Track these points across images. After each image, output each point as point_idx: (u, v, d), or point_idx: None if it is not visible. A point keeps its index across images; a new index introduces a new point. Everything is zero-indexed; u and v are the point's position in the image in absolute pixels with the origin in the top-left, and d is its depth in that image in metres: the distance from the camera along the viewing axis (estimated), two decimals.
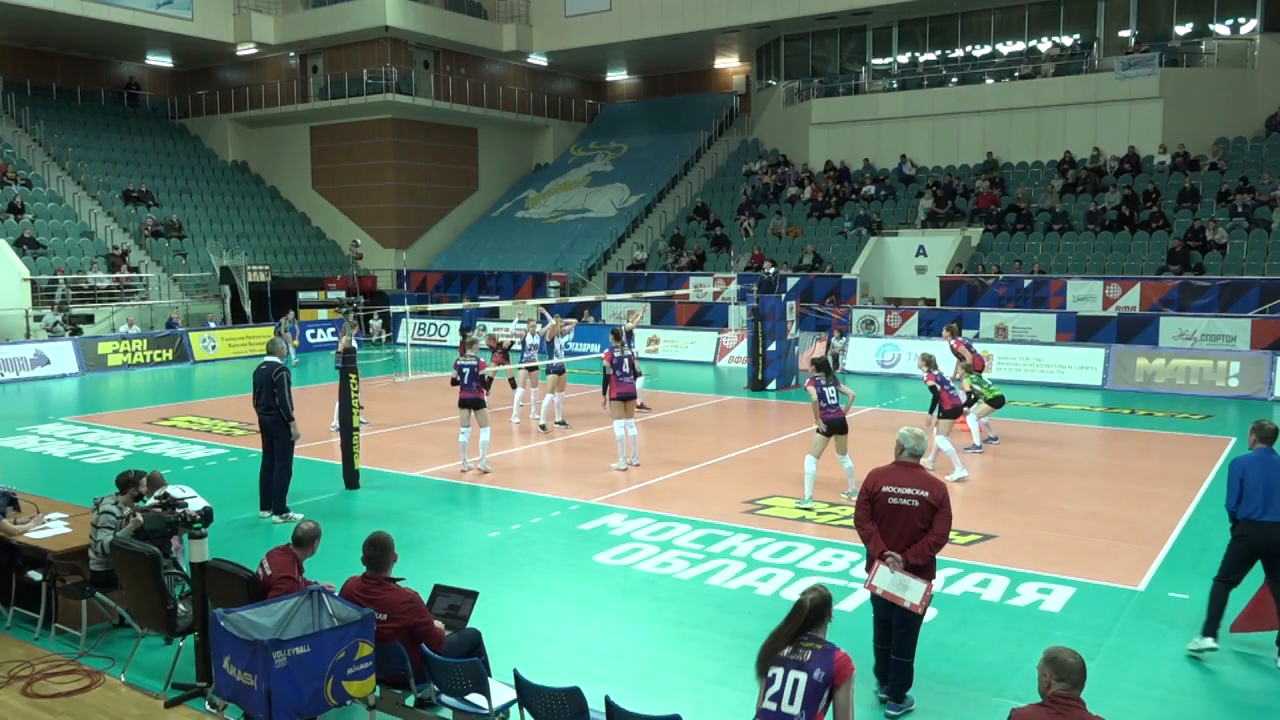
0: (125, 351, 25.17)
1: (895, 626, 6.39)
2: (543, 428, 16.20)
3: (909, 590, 6.22)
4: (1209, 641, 7.18)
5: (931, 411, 13.60)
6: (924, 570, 6.29)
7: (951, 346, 15.62)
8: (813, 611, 4.71)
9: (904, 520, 6.30)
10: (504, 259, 34.50)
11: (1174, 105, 28.21)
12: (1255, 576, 7.28)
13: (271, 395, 10.86)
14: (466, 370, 13.06)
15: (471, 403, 13.05)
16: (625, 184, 37.18)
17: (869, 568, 6.47)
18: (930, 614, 6.85)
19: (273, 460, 11.08)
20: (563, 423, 16.43)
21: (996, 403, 14.11)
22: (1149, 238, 25.71)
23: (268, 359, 11.08)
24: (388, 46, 34.51)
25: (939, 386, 12.91)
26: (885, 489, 6.40)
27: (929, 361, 13.16)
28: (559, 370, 16.23)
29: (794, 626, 4.69)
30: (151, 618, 6.91)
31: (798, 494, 11.77)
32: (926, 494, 6.29)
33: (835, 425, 11.41)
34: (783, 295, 21.85)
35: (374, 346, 30.07)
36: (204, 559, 6.58)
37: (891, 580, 6.27)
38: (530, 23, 37.80)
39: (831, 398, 11.42)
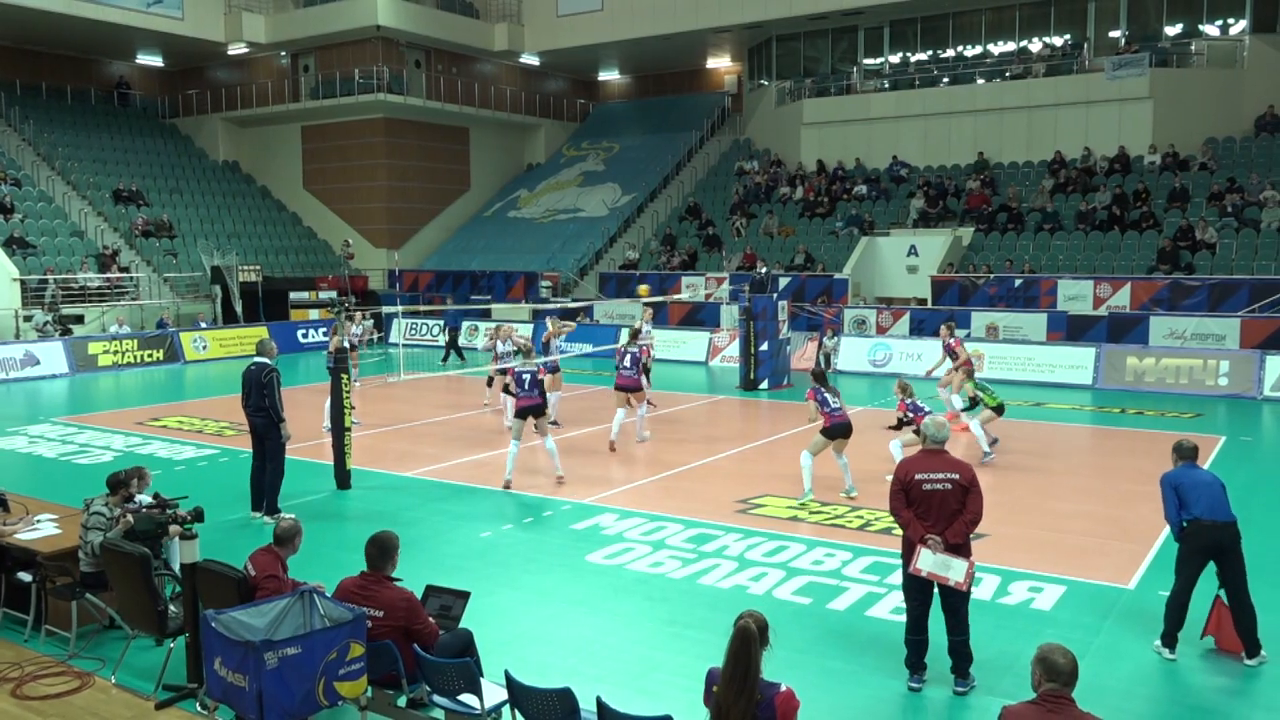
0: (116, 352, 25.08)
1: (945, 610, 6.69)
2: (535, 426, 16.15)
3: (952, 569, 6.54)
4: (1168, 653, 7.28)
5: (894, 429, 12.99)
6: (962, 549, 6.62)
7: (950, 344, 15.65)
8: (751, 636, 4.58)
9: (940, 503, 6.64)
10: (496, 259, 34.47)
11: (1164, 105, 28.32)
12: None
13: (261, 397, 10.82)
14: (526, 376, 12.44)
15: (532, 410, 12.32)
16: (617, 184, 37.17)
17: (906, 554, 6.74)
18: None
19: (264, 461, 11.04)
20: (555, 423, 16.38)
21: (1000, 410, 14.00)
22: (1139, 237, 25.81)
23: (257, 359, 11.03)
24: (379, 46, 34.46)
25: (911, 414, 12.41)
26: (918, 476, 6.71)
27: (905, 389, 12.73)
28: (554, 369, 16.20)
29: (739, 667, 4.56)
30: (142, 619, 6.89)
31: (790, 493, 11.79)
32: (958, 476, 6.68)
33: (840, 429, 11.53)
34: (775, 295, 21.87)
35: (365, 347, 30.00)
36: (195, 560, 6.56)
37: (935, 561, 6.57)
38: (522, 22, 37.77)
39: (835, 403, 11.56)
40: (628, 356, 14.73)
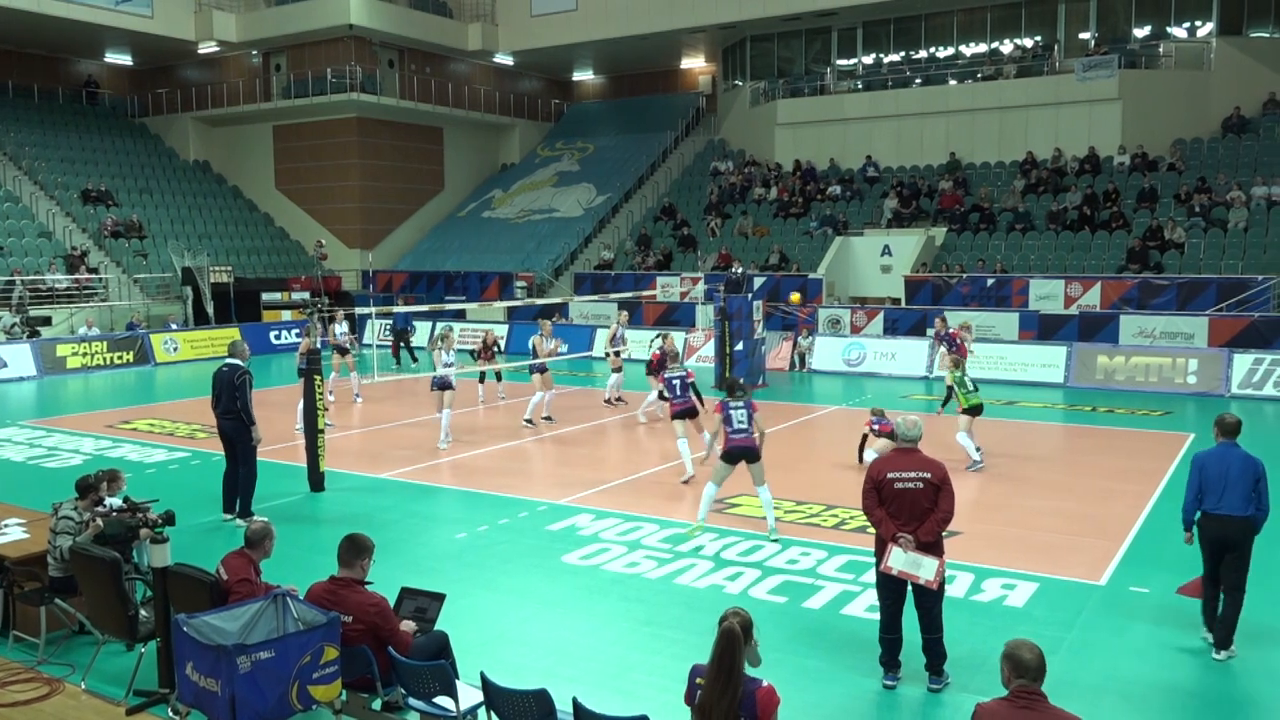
0: (85, 354, 24.78)
1: (918, 608, 6.73)
2: (529, 422, 16.45)
3: (922, 568, 6.57)
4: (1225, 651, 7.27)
5: (862, 450, 13.19)
6: (934, 547, 6.65)
7: (950, 333, 15.83)
8: (735, 638, 4.63)
9: (911, 502, 6.68)
10: (470, 259, 34.35)
11: (1133, 107, 28.65)
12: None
13: (233, 399, 10.70)
14: (676, 381, 13.08)
15: (687, 413, 12.98)
16: (592, 184, 37.14)
17: (879, 552, 6.76)
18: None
19: (236, 465, 10.94)
20: (548, 418, 16.92)
21: (974, 411, 13.26)
22: (1109, 237, 26.08)
23: (229, 361, 10.92)
24: (352, 45, 34.25)
25: (877, 425, 12.89)
26: (890, 475, 6.74)
27: (877, 414, 13.11)
28: (542, 370, 16.69)
29: (723, 667, 4.60)
30: (112, 624, 6.81)
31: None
32: (929, 475, 6.71)
33: (739, 453, 9.92)
34: (750, 295, 21.93)
35: (354, 346, 29.78)
36: (166, 563, 6.49)
37: (906, 560, 6.60)
38: (496, 22, 37.67)
39: (740, 422, 9.97)
40: (677, 383, 13.25)
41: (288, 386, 19.65)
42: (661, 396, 13.13)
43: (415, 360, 24.79)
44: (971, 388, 13.35)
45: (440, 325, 28.31)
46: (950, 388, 13.68)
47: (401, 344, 25.66)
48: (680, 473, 12.67)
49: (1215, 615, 7.31)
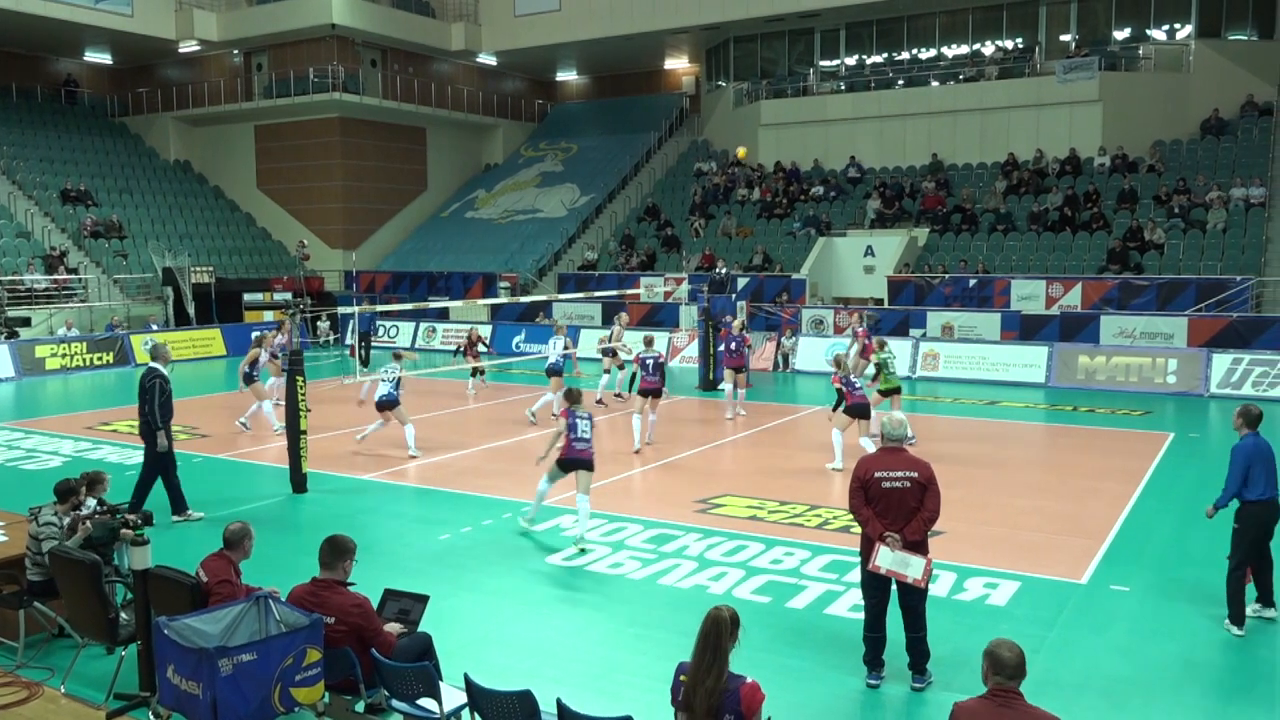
0: (64, 355, 24.59)
1: (902, 607, 6.78)
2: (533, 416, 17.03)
3: (910, 566, 6.61)
4: (1236, 630, 7.58)
5: (835, 409, 14.30)
6: (920, 546, 6.69)
7: (859, 333, 17.28)
8: (723, 622, 4.71)
9: (899, 501, 6.71)
10: (454, 259, 34.25)
11: (1113, 108, 28.85)
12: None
13: (143, 402, 10.67)
14: (650, 361, 15.06)
15: (653, 391, 14.89)
16: (575, 184, 37.12)
17: (865, 551, 6.78)
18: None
19: (168, 466, 10.91)
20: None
21: (888, 393, 14.45)
22: (1090, 238, 26.25)
23: (150, 365, 10.96)
24: (334, 45, 34.10)
25: (844, 388, 13.63)
26: (878, 474, 6.76)
27: (839, 363, 13.96)
28: (557, 372, 17.41)
29: (709, 646, 4.68)
30: (92, 627, 6.76)
31: (750, 493, 11.84)
32: (916, 474, 6.74)
33: (576, 464, 10.04)
34: (733, 295, 21.96)
35: (322, 348, 29.69)
36: (146, 566, 6.44)
37: (894, 559, 6.62)
38: (479, 22, 37.59)
39: (584, 432, 10.06)
40: (651, 363, 15.29)
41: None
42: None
43: (365, 365, 24.09)
44: (893, 369, 14.79)
45: (401, 342, 28.44)
46: (878, 365, 14.82)
47: (363, 345, 25.41)
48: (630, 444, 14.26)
49: (1244, 603, 7.61)
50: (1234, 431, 7.95)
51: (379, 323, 30.11)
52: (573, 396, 10.25)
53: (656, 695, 6.68)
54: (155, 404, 10.62)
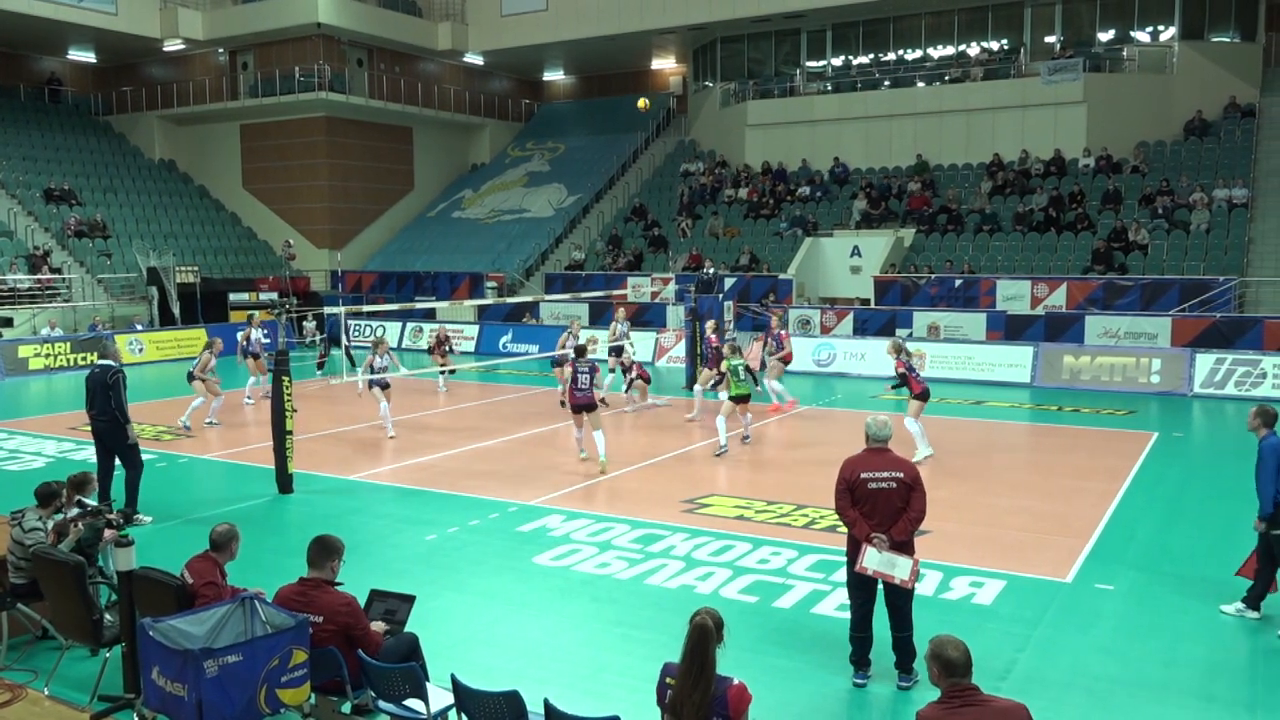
0: (47, 355, 24.44)
1: (889, 606, 6.80)
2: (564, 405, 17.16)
3: (897, 567, 6.63)
4: (1253, 613, 7.77)
5: (894, 389, 14.41)
6: (906, 546, 6.72)
7: (780, 336, 17.78)
8: (707, 632, 4.69)
9: (885, 502, 6.73)
10: (440, 259, 34.18)
11: (1097, 109, 29.01)
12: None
13: (107, 399, 10.59)
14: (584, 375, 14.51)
15: (586, 406, 14.15)
16: (562, 184, 37.09)
17: (852, 552, 6.80)
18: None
19: (111, 462, 10.84)
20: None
21: (739, 400, 14.49)
22: (1074, 238, 26.39)
23: (100, 362, 10.90)
24: (320, 44, 33.99)
25: (907, 373, 13.69)
26: (864, 475, 6.77)
27: (898, 349, 13.92)
28: (564, 363, 17.64)
29: (695, 662, 4.65)
30: (76, 629, 6.72)
31: (736, 493, 11.85)
32: (901, 475, 6.77)
33: (580, 407, 12.75)
34: (720, 295, 21.98)
35: (307, 348, 29.55)
36: (131, 567, 6.41)
37: (880, 560, 6.64)
38: (466, 21, 37.52)
39: (583, 382, 13.13)
40: (583, 374, 13.47)
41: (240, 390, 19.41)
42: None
43: (321, 367, 23.92)
44: (743, 376, 14.68)
45: (377, 328, 28.58)
46: (724, 374, 15.14)
47: (335, 343, 25.26)
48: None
49: (1263, 597, 7.78)
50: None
51: (352, 322, 29.91)
52: (580, 351, 12.61)
53: (643, 695, 6.68)
54: (122, 398, 10.58)
